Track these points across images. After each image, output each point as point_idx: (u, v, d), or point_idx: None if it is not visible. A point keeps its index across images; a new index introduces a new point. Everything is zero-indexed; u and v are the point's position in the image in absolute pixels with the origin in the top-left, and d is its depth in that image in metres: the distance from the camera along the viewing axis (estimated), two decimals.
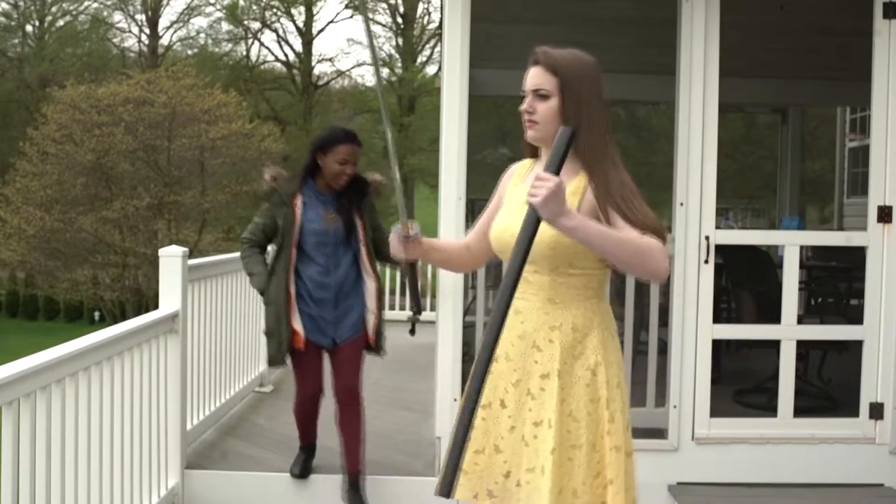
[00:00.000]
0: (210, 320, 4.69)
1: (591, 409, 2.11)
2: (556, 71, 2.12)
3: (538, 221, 1.85)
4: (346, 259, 3.74)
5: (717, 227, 3.98)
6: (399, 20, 29.39)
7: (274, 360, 3.73)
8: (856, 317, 4.36)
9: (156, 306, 3.96)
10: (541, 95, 2.14)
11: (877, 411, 3.99)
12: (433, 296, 8.41)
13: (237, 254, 5.81)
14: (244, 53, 30.81)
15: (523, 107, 2.17)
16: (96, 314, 23.04)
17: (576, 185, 2.12)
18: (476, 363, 1.86)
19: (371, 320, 3.78)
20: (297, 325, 3.68)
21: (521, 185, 2.28)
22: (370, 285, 3.77)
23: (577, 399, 2.11)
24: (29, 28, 30.35)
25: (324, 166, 3.68)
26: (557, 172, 1.85)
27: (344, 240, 3.71)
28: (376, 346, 3.83)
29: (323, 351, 3.79)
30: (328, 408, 3.96)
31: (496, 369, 2.21)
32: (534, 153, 2.30)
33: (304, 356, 3.72)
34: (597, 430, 2.11)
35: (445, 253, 2.45)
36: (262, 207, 3.80)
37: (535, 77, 2.15)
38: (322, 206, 3.71)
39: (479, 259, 2.46)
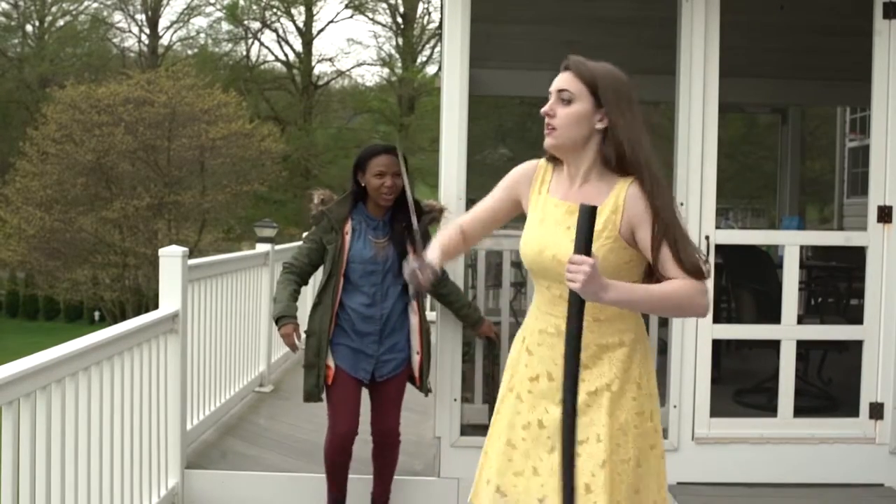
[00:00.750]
0: (210, 320, 4.69)
1: (638, 422, 2.12)
2: (585, 78, 2.07)
3: (582, 302, 1.96)
4: (394, 290, 3.46)
5: (717, 227, 3.98)
6: (399, 20, 29.38)
7: (311, 396, 3.47)
8: (856, 317, 4.36)
9: (156, 306, 3.95)
10: (564, 99, 2.09)
11: (877, 411, 3.99)
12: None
13: (237, 254, 5.83)
14: (244, 53, 30.84)
15: (544, 109, 2.12)
16: (96, 314, 23.05)
17: (614, 203, 2.08)
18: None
19: (416, 360, 3.53)
20: (330, 360, 3.45)
21: (544, 195, 2.21)
22: (413, 321, 3.50)
23: (626, 412, 2.11)
24: (29, 28, 30.36)
25: (367, 185, 3.44)
26: (588, 252, 1.90)
27: (394, 269, 3.42)
28: (421, 385, 3.61)
29: (361, 386, 3.54)
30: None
31: (536, 389, 2.18)
32: (553, 156, 2.23)
33: (339, 389, 3.47)
34: (644, 443, 2.12)
35: (449, 255, 2.39)
36: (310, 232, 3.55)
37: (561, 79, 2.11)
38: (372, 231, 3.46)
39: (469, 245, 2.43)
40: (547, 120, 2.11)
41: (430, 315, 4.02)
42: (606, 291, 1.92)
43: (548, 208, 2.18)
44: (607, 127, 2.07)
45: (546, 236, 2.14)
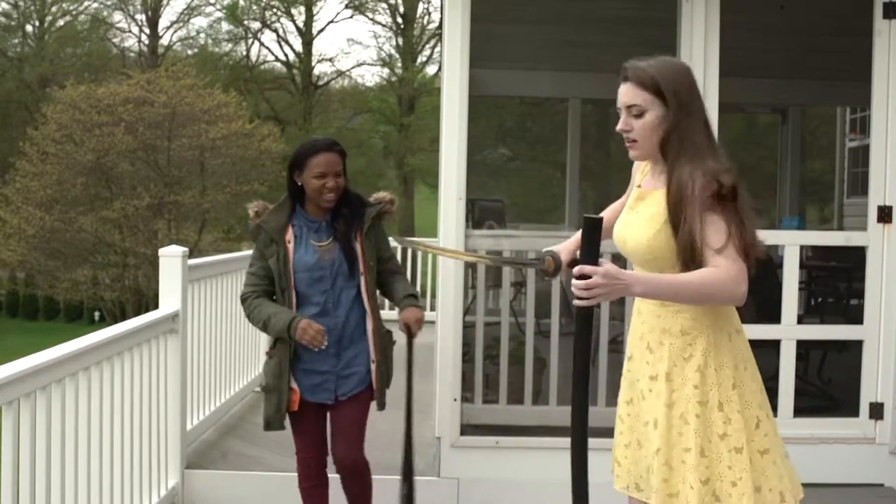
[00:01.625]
0: (210, 320, 4.69)
1: (700, 411, 2.11)
2: (648, 85, 2.10)
3: (589, 315, 1.98)
4: (348, 295, 3.11)
5: None
6: (399, 20, 29.38)
7: (271, 423, 3.12)
8: (856, 317, 4.36)
9: (156, 306, 3.95)
10: (635, 114, 2.13)
11: (877, 411, 3.99)
12: (433, 296, 8.42)
13: (237, 254, 5.82)
14: (244, 53, 30.84)
15: (619, 126, 2.16)
16: (96, 314, 23.04)
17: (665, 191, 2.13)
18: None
19: (372, 369, 3.16)
20: (294, 384, 3.11)
21: (635, 186, 2.31)
22: (368, 326, 3.15)
23: (687, 401, 2.12)
24: (29, 28, 30.35)
25: (305, 185, 3.10)
26: (595, 262, 1.93)
27: (345, 272, 3.10)
28: (377, 399, 3.21)
29: (324, 409, 3.20)
30: None
31: (632, 367, 2.28)
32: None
33: (303, 418, 3.15)
34: (706, 433, 2.10)
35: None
36: (253, 251, 3.21)
37: (626, 94, 2.14)
38: (314, 234, 3.12)
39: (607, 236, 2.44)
40: (625, 135, 2.17)
41: (431, 315, 4.01)
42: (631, 288, 1.99)
43: (631, 196, 2.31)
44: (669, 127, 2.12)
45: (622, 220, 2.28)
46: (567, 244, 2.39)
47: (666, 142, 2.11)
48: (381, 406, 3.22)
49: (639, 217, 2.20)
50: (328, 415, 3.18)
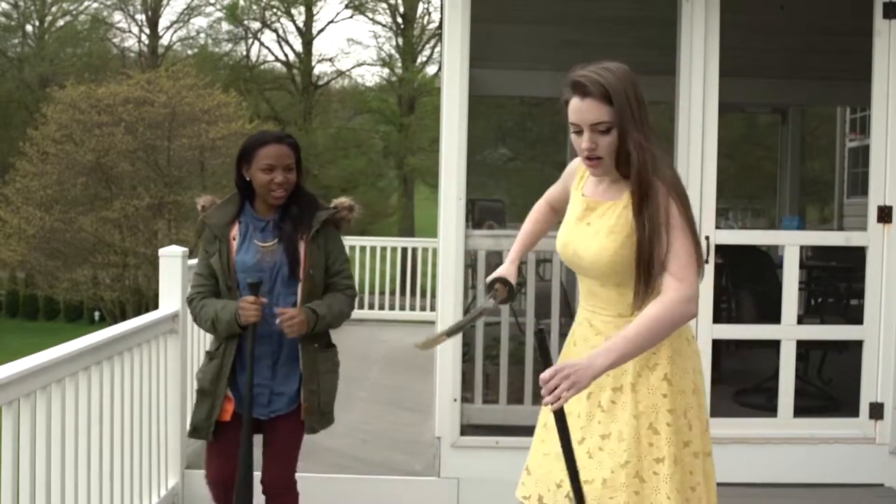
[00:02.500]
0: None
1: (671, 419, 2.10)
2: (611, 99, 2.04)
3: (564, 416, 1.97)
4: (286, 303, 2.84)
5: (718, 227, 3.99)
6: (399, 20, 29.38)
7: (198, 430, 2.86)
8: (856, 317, 4.36)
9: (156, 306, 3.95)
10: (601, 130, 2.07)
11: (877, 411, 3.99)
12: (433, 295, 8.43)
13: None
14: (244, 53, 30.82)
15: (585, 145, 2.08)
16: (96, 314, 23.03)
17: (627, 199, 2.12)
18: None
19: (302, 389, 2.88)
20: (229, 392, 2.87)
21: (577, 191, 2.28)
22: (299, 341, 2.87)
23: (655, 410, 2.10)
24: (29, 28, 30.34)
25: (252, 180, 2.87)
26: (550, 364, 1.94)
27: (285, 276, 2.84)
28: (306, 423, 2.92)
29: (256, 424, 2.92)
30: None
31: None
32: None
33: (229, 432, 2.86)
34: (677, 441, 2.11)
35: (533, 241, 2.51)
36: (199, 249, 2.98)
37: (591, 111, 2.05)
38: (259, 234, 2.88)
39: (560, 215, 2.43)
40: (589, 153, 2.10)
41: (431, 315, 4.00)
42: (600, 367, 1.94)
43: (576, 203, 2.26)
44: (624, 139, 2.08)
45: (570, 231, 2.23)
46: (509, 268, 2.41)
47: (624, 154, 2.07)
48: (311, 430, 2.93)
49: (593, 230, 2.15)
50: (263, 435, 2.94)
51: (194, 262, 4.28)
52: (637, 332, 1.98)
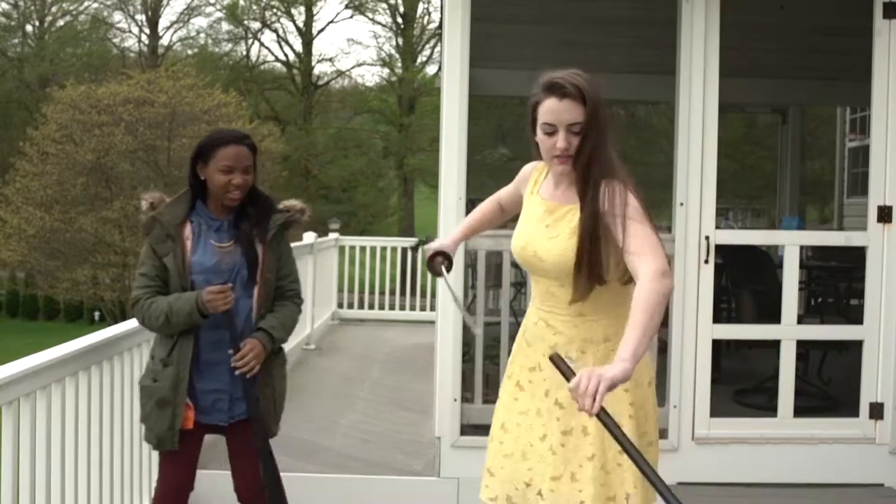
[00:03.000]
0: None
1: (633, 412, 2.17)
2: (586, 102, 2.10)
3: (610, 416, 1.86)
4: (245, 305, 2.76)
5: (717, 227, 3.99)
6: (399, 20, 29.38)
7: (163, 442, 2.73)
8: (856, 317, 4.36)
9: None
10: (575, 131, 2.12)
11: (877, 411, 3.99)
12: (433, 296, 8.43)
13: None
14: (244, 53, 30.85)
15: (561, 144, 2.12)
16: (96, 314, 23.05)
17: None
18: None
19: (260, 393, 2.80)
20: (188, 399, 2.75)
21: (534, 195, 2.32)
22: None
23: (619, 403, 2.13)
24: (29, 28, 30.37)
25: (208, 180, 2.77)
26: (572, 373, 1.86)
27: (244, 278, 2.76)
28: (267, 426, 2.85)
29: (206, 433, 2.87)
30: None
31: (535, 379, 2.28)
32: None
33: (189, 439, 2.77)
34: (637, 431, 2.17)
35: (477, 229, 2.60)
36: (143, 249, 2.81)
37: (569, 112, 2.11)
38: (215, 234, 2.78)
39: (507, 216, 2.54)
40: (562, 153, 2.14)
41: (431, 315, 4.01)
42: (622, 372, 1.84)
43: (533, 206, 2.30)
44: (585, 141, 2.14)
45: (529, 233, 2.26)
46: (448, 244, 2.48)
47: (588, 157, 2.12)
48: (272, 433, 2.87)
49: (553, 232, 2.20)
50: (226, 440, 2.87)
51: None
52: (641, 323, 1.94)
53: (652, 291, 1.96)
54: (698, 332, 3.95)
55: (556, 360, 1.96)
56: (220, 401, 2.77)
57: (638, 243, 2.05)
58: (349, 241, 10.24)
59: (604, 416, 1.81)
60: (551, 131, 2.13)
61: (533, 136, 2.20)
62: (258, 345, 2.71)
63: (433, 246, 2.48)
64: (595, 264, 2.11)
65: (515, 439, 2.27)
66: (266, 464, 2.76)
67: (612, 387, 1.80)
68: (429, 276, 9.41)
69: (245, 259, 2.76)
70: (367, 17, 29.77)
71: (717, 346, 4.64)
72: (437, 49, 25.80)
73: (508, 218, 2.54)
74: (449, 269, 2.48)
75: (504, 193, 2.56)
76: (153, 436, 2.74)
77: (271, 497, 2.77)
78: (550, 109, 2.12)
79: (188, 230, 2.76)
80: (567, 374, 1.91)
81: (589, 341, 2.18)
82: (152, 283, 2.74)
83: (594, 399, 1.76)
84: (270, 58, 30.68)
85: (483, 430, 4.14)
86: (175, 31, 31.18)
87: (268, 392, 2.82)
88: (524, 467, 2.22)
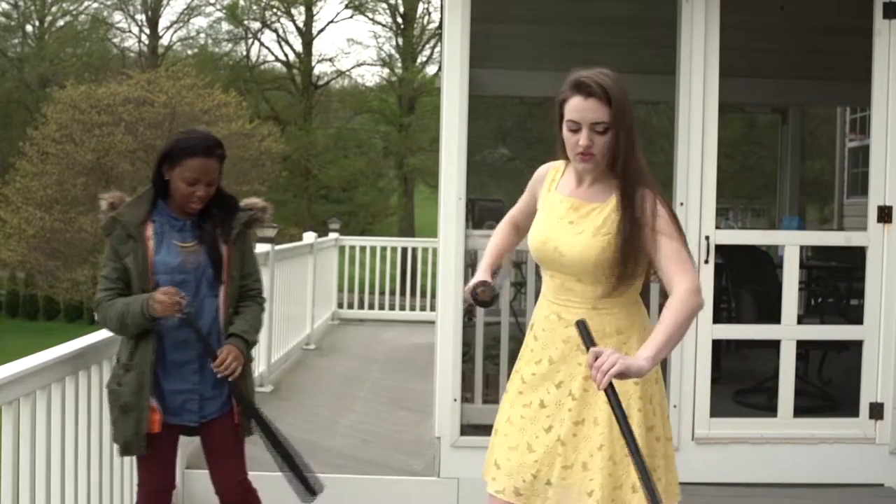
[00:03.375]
0: None
1: (641, 405, 2.22)
2: (612, 102, 2.15)
3: (616, 392, 1.97)
4: (211, 304, 2.76)
5: (717, 227, 3.99)
6: (399, 20, 29.38)
7: (130, 448, 2.71)
8: (856, 317, 4.36)
9: None
10: (599, 131, 2.17)
11: (877, 411, 3.99)
12: (433, 296, 8.43)
13: None
14: (244, 53, 30.82)
15: (583, 142, 2.18)
16: (96, 314, 23.01)
17: (615, 202, 2.23)
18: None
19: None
20: (154, 402, 2.72)
21: (553, 192, 2.36)
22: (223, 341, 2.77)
23: (627, 396, 2.19)
24: (29, 28, 30.34)
25: (171, 184, 2.73)
26: (595, 343, 2.00)
27: (210, 278, 2.75)
28: (241, 425, 2.83)
29: (183, 434, 2.88)
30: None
31: (539, 371, 2.32)
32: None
33: (160, 442, 2.74)
34: (645, 424, 2.22)
35: (503, 255, 2.58)
36: (105, 250, 2.77)
37: (594, 111, 2.15)
38: (178, 233, 2.75)
39: (523, 235, 2.54)
40: (585, 150, 2.19)
41: (431, 315, 4.01)
42: (643, 365, 1.99)
43: (553, 203, 2.33)
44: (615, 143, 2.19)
45: (550, 229, 2.30)
46: (483, 276, 2.46)
47: (616, 158, 2.18)
48: (248, 432, 2.84)
49: (577, 229, 2.25)
50: (200, 440, 2.87)
51: None
52: (668, 327, 2.06)
53: (686, 304, 2.09)
54: (698, 332, 3.95)
55: (582, 327, 2.02)
56: (190, 401, 2.75)
57: (673, 258, 2.14)
58: (349, 241, 10.24)
59: (611, 394, 1.94)
60: (575, 129, 2.18)
61: (559, 132, 2.24)
62: (234, 349, 2.72)
63: (469, 285, 2.44)
64: (632, 268, 2.19)
65: (520, 431, 2.32)
66: (270, 435, 2.78)
67: (625, 374, 1.94)
68: (429, 276, 9.43)
69: (210, 259, 2.75)
70: (367, 17, 29.76)
71: (717, 346, 4.64)
72: (437, 49, 25.79)
73: (525, 235, 2.54)
74: (494, 296, 2.43)
75: (516, 210, 2.58)
76: (120, 441, 2.72)
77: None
78: (575, 108, 2.17)
79: (150, 230, 2.72)
80: (588, 342, 2.01)
81: (601, 333, 2.21)
82: (113, 285, 2.71)
83: (605, 374, 1.91)
84: (270, 58, 30.68)
85: (483, 430, 4.14)
86: (175, 31, 31.18)
87: (241, 391, 2.79)
88: (530, 459, 2.27)
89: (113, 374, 2.79)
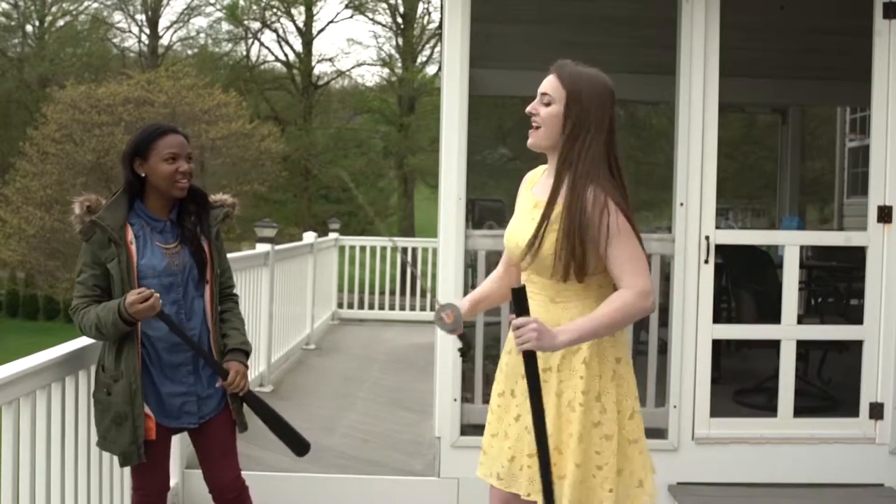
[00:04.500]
0: None
1: (583, 399, 2.26)
2: (566, 82, 2.23)
3: (535, 363, 2.14)
4: (199, 304, 2.74)
5: (717, 227, 3.99)
6: (399, 20, 29.37)
7: (130, 457, 2.63)
8: (856, 317, 4.36)
9: None
10: (545, 102, 2.26)
11: (877, 411, 3.99)
12: (433, 296, 8.43)
13: (237, 254, 5.81)
14: (244, 53, 30.81)
15: (528, 108, 2.29)
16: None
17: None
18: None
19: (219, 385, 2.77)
20: (147, 408, 2.66)
21: (528, 192, 2.43)
22: (211, 340, 2.76)
23: (573, 390, 2.27)
24: (29, 28, 30.32)
25: (150, 175, 2.66)
26: (528, 313, 2.13)
27: (196, 278, 2.72)
28: (237, 421, 2.84)
29: (176, 436, 2.86)
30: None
31: (511, 361, 2.41)
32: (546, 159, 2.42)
33: (156, 448, 2.71)
34: (587, 420, 2.26)
35: (491, 297, 2.59)
36: (82, 255, 2.66)
37: (547, 83, 2.28)
38: (159, 235, 2.69)
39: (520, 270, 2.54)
40: (532, 119, 2.30)
41: (431, 315, 4.01)
42: (557, 338, 2.14)
43: (525, 201, 2.41)
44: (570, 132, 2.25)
45: (515, 225, 2.39)
46: (465, 301, 2.53)
47: (563, 146, 2.24)
48: (243, 427, 2.84)
49: (535, 224, 2.29)
50: (193, 439, 2.86)
51: None
52: (599, 318, 2.18)
53: (628, 305, 2.17)
54: (698, 332, 3.95)
55: (516, 294, 2.12)
56: (188, 402, 2.72)
57: (621, 259, 2.20)
58: (349, 241, 10.25)
59: (528, 361, 2.12)
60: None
61: None
62: (241, 366, 2.75)
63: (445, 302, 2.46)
64: (580, 261, 2.22)
65: (498, 419, 2.44)
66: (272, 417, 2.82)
67: (541, 346, 2.11)
68: (429, 276, 9.44)
69: (194, 259, 2.71)
70: (367, 17, 29.74)
71: (717, 346, 4.64)
72: (437, 49, 25.79)
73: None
74: (454, 330, 2.42)
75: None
76: (117, 452, 2.66)
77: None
78: (542, 81, 2.30)
79: (131, 234, 2.65)
80: (521, 311, 2.12)
81: (558, 325, 2.25)
82: (90, 292, 2.63)
83: (521, 345, 2.10)
84: (270, 58, 30.66)
85: (483, 430, 4.14)
86: (175, 31, 31.16)
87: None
88: (506, 445, 2.38)
89: (98, 382, 2.71)
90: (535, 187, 2.41)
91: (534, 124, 2.29)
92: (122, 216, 2.65)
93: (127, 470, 3.03)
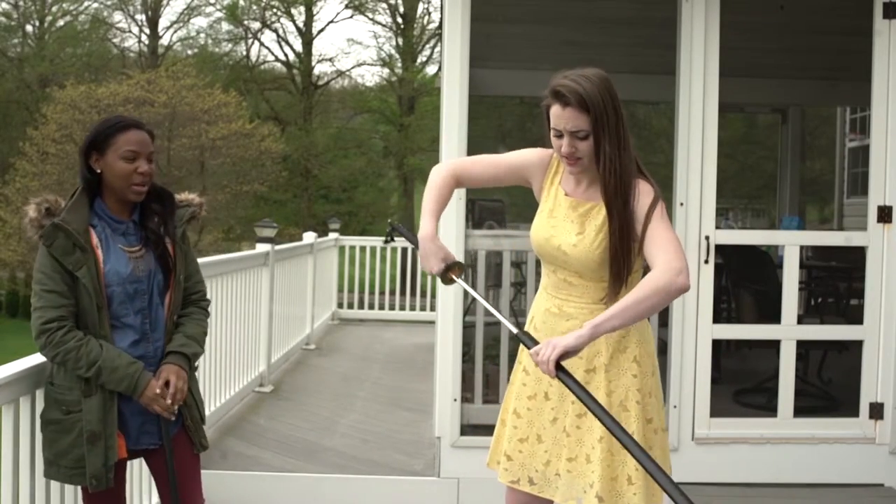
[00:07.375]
0: (210, 320, 4.68)
1: (639, 398, 2.27)
2: (590, 109, 2.17)
3: (572, 376, 2.05)
4: (163, 314, 2.50)
5: (717, 227, 3.99)
6: (399, 20, 29.38)
7: (99, 480, 2.35)
8: (856, 317, 4.36)
9: None
10: (580, 137, 2.20)
11: (877, 411, 3.99)
12: (433, 295, 8.42)
13: (237, 254, 5.82)
14: (244, 53, 30.80)
15: (565, 150, 2.22)
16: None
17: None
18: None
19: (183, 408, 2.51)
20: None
21: (556, 186, 2.38)
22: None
23: (625, 389, 2.27)
24: (29, 28, 30.31)
25: (105, 172, 2.41)
26: (536, 342, 2.09)
27: (160, 284, 2.48)
28: (194, 440, 2.56)
29: (133, 458, 2.57)
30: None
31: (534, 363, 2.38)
32: None
33: (121, 470, 2.51)
34: (643, 417, 2.28)
35: (444, 202, 2.49)
36: (41, 264, 2.35)
37: (571, 120, 2.18)
38: (122, 237, 2.45)
39: (460, 186, 2.54)
40: (569, 156, 2.23)
41: (431, 315, 4.00)
42: (582, 340, 2.04)
43: (558, 200, 2.36)
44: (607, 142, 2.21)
45: (554, 227, 2.33)
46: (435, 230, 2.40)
47: (603, 157, 2.20)
48: (202, 447, 2.58)
49: (578, 228, 2.28)
50: (150, 467, 2.60)
51: None
52: (635, 300, 2.07)
53: (656, 281, 2.08)
54: (698, 332, 3.95)
55: (522, 336, 2.12)
56: (148, 422, 2.45)
57: (659, 242, 2.15)
58: (349, 241, 10.24)
59: (563, 377, 2.02)
60: (559, 135, 2.23)
61: (549, 134, 2.28)
62: (178, 370, 2.44)
63: (443, 257, 2.35)
64: (628, 267, 2.22)
65: (528, 423, 2.39)
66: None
67: (565, 354, 2.02)
68: (429, 276, 9.43)
69: (159, 263, 2.47)
70: (367, 17, 29.73)
71: (717, 346, 4.64)
72: (437, 49, 25.79)
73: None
74: (459, 270, 2.36)
75: (474, 168, 2.52)
76: (87, 476, 2.35)
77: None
78: (556, 115, 2.22)
79: (94, 237, 2.40)
80: (528, 344, 2.10)
81: None
82: (63, 302, 2.33)
83: (549, 363, 2.01)
84: (270, 58, 30.65)
85: (483, 430, 4.15)
86: (175, 31, 31.15)
87: (189, 402, 2.53)
88: (541, 449, 2.35)
89: (50, 399, 2.41)
90: (564, 182, 2.36)
91: (575, 158, 2.23)
92: (85, 217, 2.40)
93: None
